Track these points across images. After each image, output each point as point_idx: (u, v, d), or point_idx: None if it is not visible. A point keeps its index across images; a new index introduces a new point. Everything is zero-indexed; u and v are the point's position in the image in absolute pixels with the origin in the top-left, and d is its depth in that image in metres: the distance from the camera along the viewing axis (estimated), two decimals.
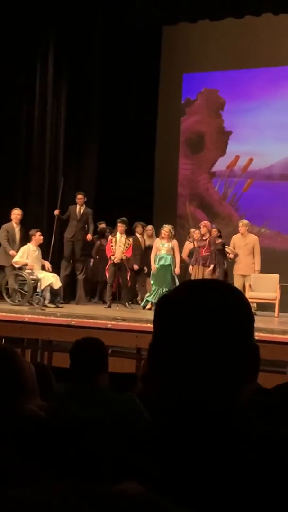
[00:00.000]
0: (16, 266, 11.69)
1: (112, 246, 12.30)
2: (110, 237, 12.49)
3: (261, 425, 1.25)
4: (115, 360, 7.79)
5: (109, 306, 12.09)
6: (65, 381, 3.70)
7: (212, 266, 12.11)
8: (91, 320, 10.06)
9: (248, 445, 1.19)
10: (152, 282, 12.12)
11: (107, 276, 12.34)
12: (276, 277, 11.90)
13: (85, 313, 10.76)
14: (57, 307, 11.39)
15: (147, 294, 12.31)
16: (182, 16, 14.04)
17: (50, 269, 11.97)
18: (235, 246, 12.29)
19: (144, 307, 12.15)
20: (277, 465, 1.18)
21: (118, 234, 12.35)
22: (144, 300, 12.32)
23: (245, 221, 12.42)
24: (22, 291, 11.53)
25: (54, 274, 11.80)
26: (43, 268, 11.90)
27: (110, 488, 0.69)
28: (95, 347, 3.32)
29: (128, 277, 12.60)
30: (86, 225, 12.71)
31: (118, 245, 12.27)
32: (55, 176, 13.75)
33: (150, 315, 10.73)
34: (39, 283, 11.50)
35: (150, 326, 8.74)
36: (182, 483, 1.17)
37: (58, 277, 11.76)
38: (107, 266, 12.37)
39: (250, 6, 13.31)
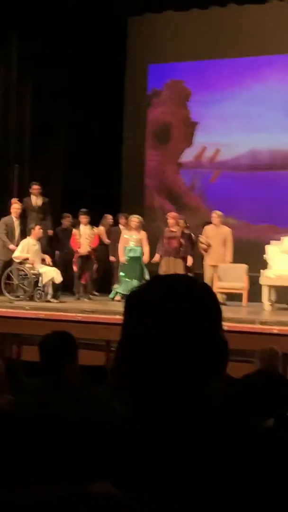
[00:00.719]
0: (17, 261, 11.55)
1: (77, 239, 12.26)
2: (74, 230, 12.43)
3: (231, 418, 1.26)
4: (85, 352, 7.77)
5: (78, 299, 12.06)
6: (35, 374, 3.69)
7: (190, 257, 12.15)
8: (60, 313, 10.03)
9: (219, 439, 1.20)
10: (122, 274, 12.10)
11: (75, 269, 12.29)
12: (244, 267, 11.98)
13: (54, 306, 10.74)
14: (60, 302, 11.34)
15: (116, 286, 12.29)
16: (147, 6, 14.01)
17: (51, 263, 11.85)
18: (207, 236, 12.36)
19: (112, 299, 12.15)
20: (249, 458, 1.19)
21: (82, 226, 12.29)
22: (113, 291, 12.30)
23: (219, 212, 12.53)
24: (23, 286, 11.43)
25: (55, 268, 11.68)
26: (43, 262, 11.81)
27: (83, 489, 0.68)
28: (64, 340, 3.31)
29: (94, 268, 12.58)
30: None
31: (84, 237, 12.23)
32: (21, 168, 13.63)
33: (119, 306, 10.64)
34: (40, 278, 11.40)
35: (119, 318, 8.70)
36: (155, 479, 1.17)
37: (59, 271, 11.64)
38: (74, 259, 12.33)
39: None
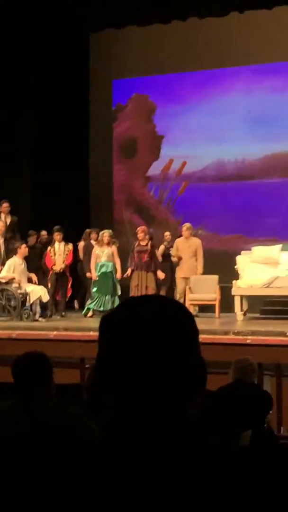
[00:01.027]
0: (3, 281, 11.43)
1: (51, 256, 12.23)
2: (49, 247, 12.39)
3: (209, 434, 1.25)
4: (58, 371, 7.70)
5: (50, 316, 11.99)
6: (8, 396, 3.64)
7: (160, 271, 12.16)
8: (32, 332, 9.94)
9: (197, 460, 1.18)
10: (94, 290, 12.05)
11: (49, 286, 12.21)
12: (215, 278, 12.02)
13: (26, 325, 10.65)
14: (48, 320, 11.23)
15: (89, 302, 12.24)
16: (109, 22, 14.06)
17: (37, 282, 11.74)
18: (178, 249, 12.40)
19: (85, 315, 12.10)
20: (225, 479, 1.17)
21: (56, 244, 12.29)
22: (86, 308, 12.25)
23: (188, 224, 12.59)
24: (10, 306, 11.31)
25: (42, 287, 11.59)
26: (29, 281, 11.70)
27: None
28: (38, 361, 3.27)
29: (69, 286, 12.52)
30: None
31: (58, 254, 12.22)
32: None
33: (92, 323, 10.68)
34: (27, 297, 11.29)
35: (92, 334, 8.68)
36: (139, 498, 1.16)
37: (46, 290, 11.56)
38: (49, 276, 12.29)
39: (176, 11, 13.41)
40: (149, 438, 1.20)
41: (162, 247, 12.89)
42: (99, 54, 15.71)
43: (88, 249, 12.90)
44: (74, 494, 1.22)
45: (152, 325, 1.24)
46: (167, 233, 13.29)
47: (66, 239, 12.51)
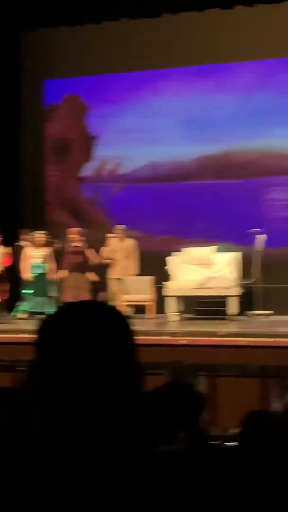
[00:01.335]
0: None
1: None
2: None
3: (148, 440, 1.24)
4: None
5: None
6: None
7: (93, 274, 12.16)
8: None
9: (136, 464, 1.17)
10: (26, 291, 11.96)
11: None
12: (149, 279, 12.08)
13: None
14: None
15: (20, 303, 12.13)
16: (41, 22, 13.97)
17: None
18: (112, 250, 12.40)
19: (16, 317, 11.98)
20: (163, 481, 1.16)
21: None
22: (17, 309, 12.11)
23: (120, 226, 12.65)
24: None
25: None
26: None
27: None
28: None
29: (8, 289, 12.40)
30: None
31: None
32: None
33: (23, 325, 10.57)
34: None
35: (25, 336, 8.59)
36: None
37: None
38: None
39: (109, 11, 13.43)
40: (89, 443, 1.19)
41: (104, 249, 12.84)
42: (31, 54, 15.56)
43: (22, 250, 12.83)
44: (17, 506, 1.20)
45: (88, 329, 1.24)
46: (109, 235, 13.25)
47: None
